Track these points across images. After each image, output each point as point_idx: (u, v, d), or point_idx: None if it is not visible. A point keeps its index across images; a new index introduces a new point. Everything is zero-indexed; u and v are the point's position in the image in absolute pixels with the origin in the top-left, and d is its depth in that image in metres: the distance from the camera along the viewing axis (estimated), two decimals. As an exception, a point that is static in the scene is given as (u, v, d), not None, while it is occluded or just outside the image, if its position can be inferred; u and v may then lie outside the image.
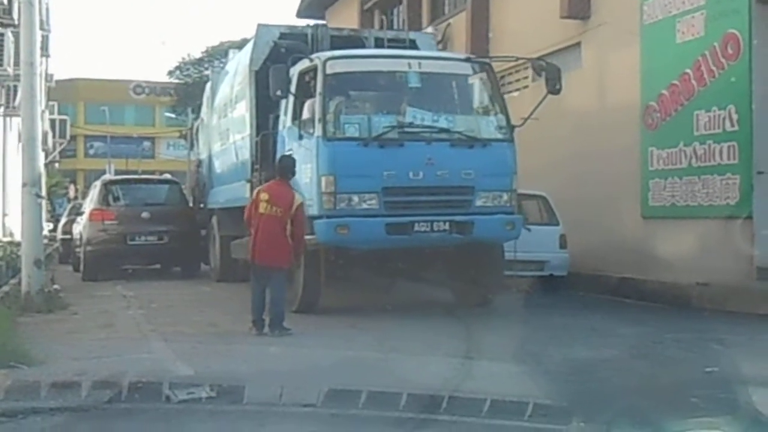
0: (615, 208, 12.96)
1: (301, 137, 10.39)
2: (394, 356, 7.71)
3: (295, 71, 10.66)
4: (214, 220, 15.29)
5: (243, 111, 12.89)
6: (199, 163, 17.28)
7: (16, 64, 14.17)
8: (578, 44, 14.31)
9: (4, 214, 20.85)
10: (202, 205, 16.63)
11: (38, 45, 12.65)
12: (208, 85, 16.99)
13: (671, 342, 8.40)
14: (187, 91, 58.18)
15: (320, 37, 12.18)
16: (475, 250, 10.54)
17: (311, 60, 10.60)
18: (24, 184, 11.69)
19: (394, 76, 10.88)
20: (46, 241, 15.87)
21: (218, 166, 15.43)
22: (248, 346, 8.49)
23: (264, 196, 9.31)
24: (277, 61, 11.06)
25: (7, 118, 20.77)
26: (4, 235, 19.40)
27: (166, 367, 7.27)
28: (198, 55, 59.30)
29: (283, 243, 9.18)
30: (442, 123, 10.59)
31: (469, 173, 10.19)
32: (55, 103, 33.86)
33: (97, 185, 18.03)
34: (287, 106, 11.07)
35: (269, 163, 11.23)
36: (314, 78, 10.33)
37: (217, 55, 55.66)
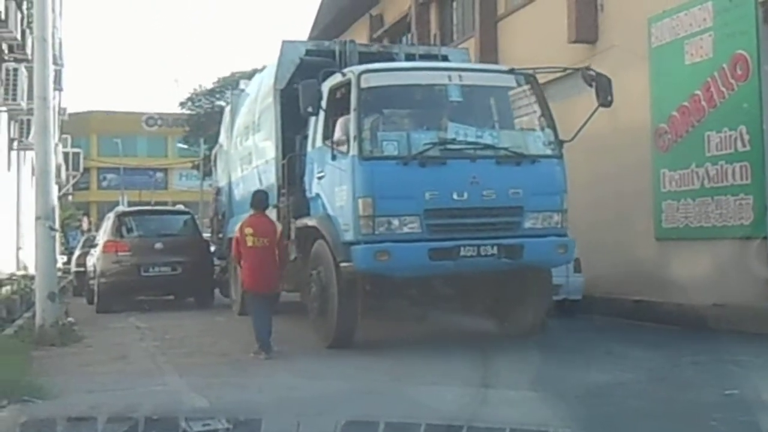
0: (628, 230, 12.90)
1: (334, 157, 9.68)
2: (410, 385, 7.63)
3: (325, 87, 9.93)
4: None
5: (267, 133, 12.19)
6: (218, 191, 16.42)
7: (30, 98, 14.24)
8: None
9: (19, 248, 20.90)
10: (221, 235, 15.79)
11: (51, 79, 12.75)
12: (227, 110, 16.28)
13: (688, 365, 8.32)
14: (199, 121, 58.50)
15: (348, 54, 11.47)
16: (521, 276, 9.82)
17: (344, 74, 9.95)
18: (37, 218, 11.68)
19: (434, 90, 10.20)
20: (59, 274, 15.87)
21: (239, 193, 14.43)
22: (263, 377, 8.43)
23: (248, 230, 9.95)
24: (304, 79, 10.18)
25: (21, 152, 20.86)
26: (19, 269, 19.40)
27: (180, 399, 7.24)
28: (209, 86, 59.65)
29: (275, 270, 10.03)
30: (487, 139, 9.85)
31: (517, 192, 9.48)
32: (68, 136, 34.01)
33: (111, 217, 18.03)
34: (317, 124, 10.38)
35: (297, 187, 10.86)
36: (347, 93, 9.65)
37: (228, 85, 55.77)
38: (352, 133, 9.33)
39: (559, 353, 9.15)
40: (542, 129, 10.08)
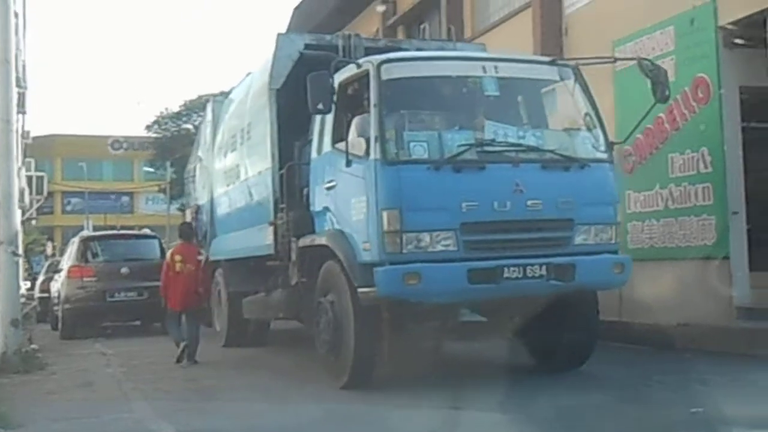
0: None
1: (348, 163, 8.04)
2: (379, 408, 7.57)
3: (336, 81, 8.24)
4: (219, 274, 12.89)
5: (260, 140, 10.49)
6: (198, 209, 14.58)
7: (-8, 122, 14.08)
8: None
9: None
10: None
11: (14, 102, 12.63)
12: (207, 120, 14.41)
13: (657, 384, 8.35)
14: (166, 144, 58.19)
15: (353, 48, 9.87)
16: (565, 299, 8.31)
17: (358, 65, 8.38)
18: (0, 243, 11.57)
19: (467, 83, 8.57)
20: (23, 300, 15.66)
21: (224, 210, 12.85)
22: (232, 403, 8.33)
23: (178, 257, 11.41)
24: (302, 77, 8.69)
25: (-16, 177, 20.62)
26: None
27: (147, 426, 7.14)
28: (176, 108, 59.43)
29: (196, 291, 11.46)
30: (530, 140, 8.34)
31: (567, 202, 8.02)
32: (32, 160, 33.61)
33: (75, 242, 17.99)
34: (323, 127, 8.87)
35: (297, 201, 9.41)
36: (363, 88, 8.22)
37: (195, 108, 55.82)
38: (373, 133, 7.81)
39: (530, 376, 8.98)
40: (590, 129, 8.64)
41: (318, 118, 8.89)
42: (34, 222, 42.22)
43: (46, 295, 20.81)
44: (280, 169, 9.76)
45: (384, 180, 7.71)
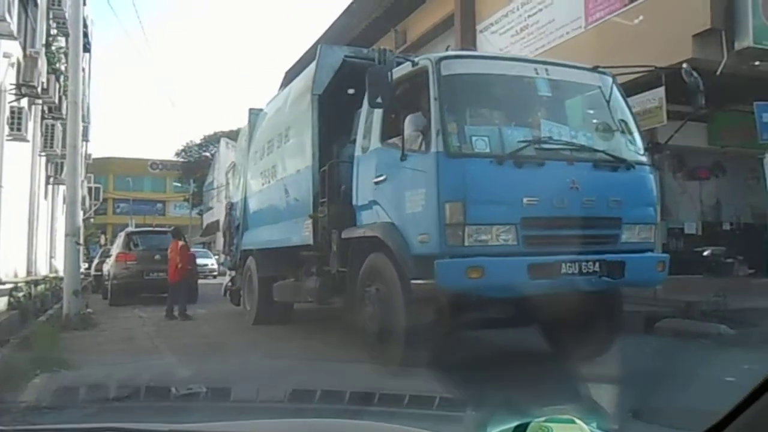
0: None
1: (404, 157, 6.33)
2: (338, 363, 7.41)
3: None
4: (251, 261, 11.03)
5: (300, 142, 8.80)
6: (232, 206, 12.97)
7: (63, 146, 13.95)
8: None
9: (52, 257, 20.33)
10: (233, 247, 12.42)
11: (80, 133, 12.55)
12: (244, 130, 12.37)
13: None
14: (190, 167, 57.95)
15: (386, 62, 7.48)
16: (596, 292, 6.44)
17: (414, 63, 6.69)
18: (67, 235, 11.55)
19: (522, 82, 6.75)
20: (82, 276, 15.37)
21: (257, 206, 11.11)
22: (235, 355, 8.19)
23: (177, 257, 12.94)
24: (342, 85, 7.58)
25: (56, 186, 20.41)
26: (51, 272, 18.88)
27: (171, 370, 7.04)
28: (197, 141, 59.12)
29: (181, 271, 12.97)
30: (581, 139, 6.66)
31: (616, 201, 6.40)
32: (92, 175, 33.14)
33: (122, 235, 17.90)
34: (370, 125, 7.16)
35: (336, 197, 7.69)
36: (419, 85, 6.49)
37: (212, 141, 55.67)
38: (435, 127, 6.11)
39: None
40: (630, 133, 6.92)
41: (363, 118, 7.29)
42: (92, 220, 41.37)
43: (99, 273, 20.52)
44: (321, 167, 8.09)
45: (447, 173, 5.97)
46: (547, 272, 5.93)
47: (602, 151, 6.59)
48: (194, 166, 57.59)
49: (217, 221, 43.22)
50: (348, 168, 7.60)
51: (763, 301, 9.50)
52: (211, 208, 50.42)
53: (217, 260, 31.81)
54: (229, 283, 13.15)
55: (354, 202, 7.35)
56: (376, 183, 6.90)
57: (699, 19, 9.71)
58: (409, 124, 6.48)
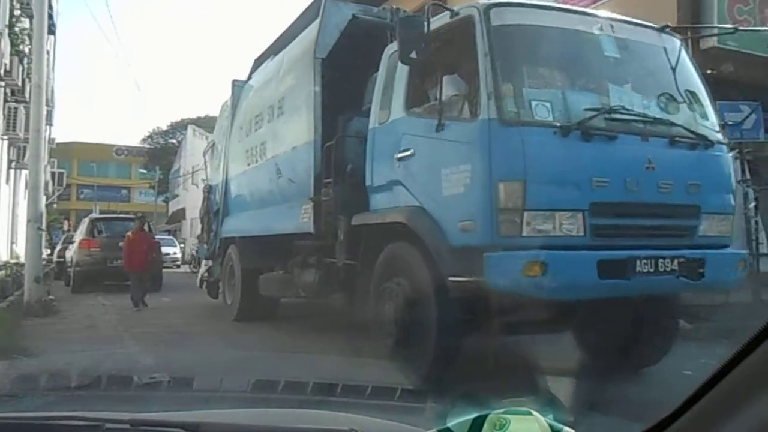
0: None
1: (441, 127, 5.08)
2: (303, 355, 7.43)
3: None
4: (233, 250, 9.77)
5: (297, 114, 7.48)
6: (210, 189, 11.38)
7: (26, 130, 13.70)
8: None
9: (12, 242, 19.99)
10: (212, 234, 10.99)
11: (44, 117, 12.34)
12: (226, 104, 10.72)
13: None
14: (156, 153, 57.27)
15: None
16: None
17: (454, 13, 5.27)
18: (29, 220, 11.33)
19: (585, 39, 5.35)
20: (44, 262, 15.12)
21: (240, 189, 9.75)
22: (199, 345, 8.14)
23: (133, 239, 12.60)
24: (349, 49, 6.47)
25: (18, 170, 20.06)
26: (12, 258, 18.54)
27: (134, 358, 6.98)
28: (164, 127, 58.48)
29: (144, 259, 12.56)
30: (655, 111, 5.30)
31: (695, 185, 5.17)
32: (55, 160, 32.50)
33: (85, 221, 17.65)
34: (389, 92, 5.85)
35: (342, 177, 6.47)
36: (463, 39, 5.13)
37: (179, 128, 55.03)
38: (485, 88, 4.79)
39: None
40: (703, 107, 5.61)
41: (380, 83, 6.06)
42: (54, 205, 40.69)
43: (61, 259, 20.18)
44: (324, 143, 6.77)
45: (501, 144, 4.70)
46: (619, 271, 4.71)
47: (681, 126, 5.30)
48: (160, 153, 56.90)
49: (183, 209, 42.89)
50: (357, 143, 6.33)
51: (717, 297, 9.76)
52: (177, 196, 49.85)
53: (182, 248, 31.49)
54: (206, 274, 11.56)
55: (368, 183, 6.08)
56: (400, 159, 5.62)
57: (665, 18, 9.86)
58: (448, 87, 5.21)
